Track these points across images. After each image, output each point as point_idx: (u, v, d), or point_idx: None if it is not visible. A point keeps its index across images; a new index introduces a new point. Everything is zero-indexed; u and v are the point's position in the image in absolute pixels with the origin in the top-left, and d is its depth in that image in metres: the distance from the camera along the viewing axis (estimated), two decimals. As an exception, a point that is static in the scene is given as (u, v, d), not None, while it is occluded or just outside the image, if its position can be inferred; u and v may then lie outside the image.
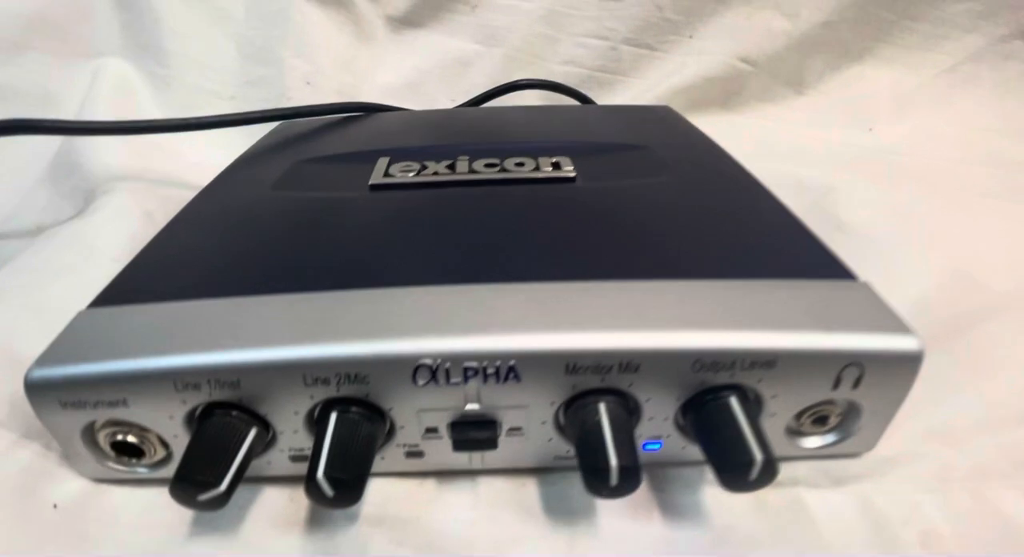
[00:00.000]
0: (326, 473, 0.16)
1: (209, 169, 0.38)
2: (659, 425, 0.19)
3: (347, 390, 0.17)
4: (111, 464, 0.20)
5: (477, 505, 0.20)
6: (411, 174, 0.28)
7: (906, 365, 0.17)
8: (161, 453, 0.19)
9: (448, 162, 0.29)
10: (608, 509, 0.19)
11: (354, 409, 0.18)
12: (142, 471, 0.20)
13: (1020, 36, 0.54)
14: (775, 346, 0.17)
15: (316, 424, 0.18)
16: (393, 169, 0.29)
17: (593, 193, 0.26)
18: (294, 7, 0.48)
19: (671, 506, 0.20)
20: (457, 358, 0.17)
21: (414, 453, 0.19)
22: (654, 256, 0.21)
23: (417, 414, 0.18)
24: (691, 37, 0.51)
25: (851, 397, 0.18)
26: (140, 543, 0.19)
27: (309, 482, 0.16)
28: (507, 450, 0.19)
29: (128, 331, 0.18)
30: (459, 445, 0.19)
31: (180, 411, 0.18)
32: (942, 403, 0.22)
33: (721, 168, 0.29)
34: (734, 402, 0.17)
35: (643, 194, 0.26)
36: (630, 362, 0.17)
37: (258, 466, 0.19)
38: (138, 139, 0.37)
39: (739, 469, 0.16)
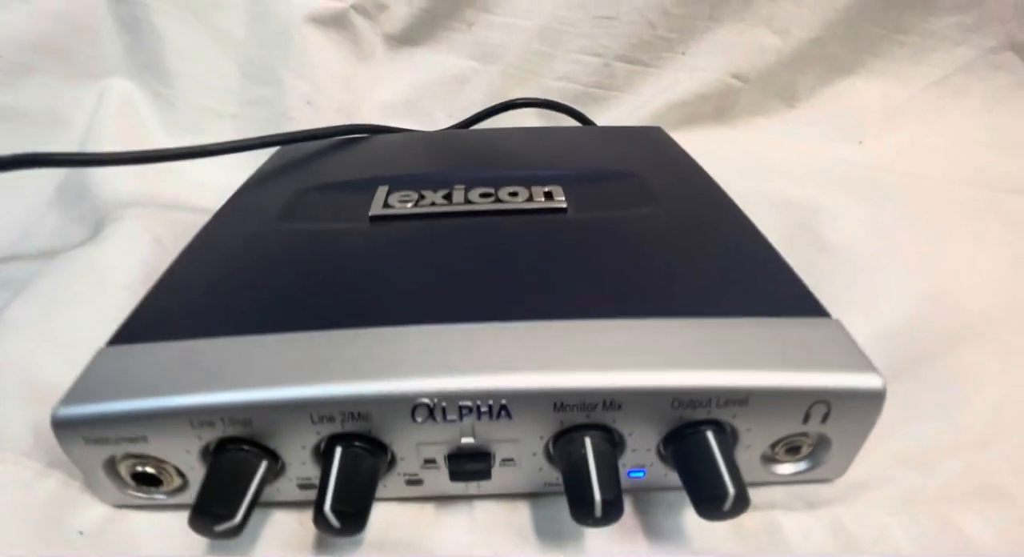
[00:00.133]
0: (332, 507, 0.17)
1: (212, 190, 0.40)
2: (642, 455, 0.20)
3: (351, 426, 0.19)
4: (131, 492, 0.21)
5: (474, 528, 0.21)
6: (409, 204, 0.29)
7: (870, 402, 0.19)
8: (178, 482, 0.21)
9: (445, 192, 0.30)
10: (595, 532, 0.21)
11: (357, 444, 0.19)
12: (160, 498, 0.21)
13: (1009, 48, 0.55)
14: (748, 385, 0.18)
15: (322, 457, 0.20)
16: (392, 199, 0.30)
17: (582, 226, 0.27)
18: (294, 28, 0.49)
19: (654, 529, 0.21)
20: (453, 397, 0.18)
21: (414, 481, 0.21)
22: (637, 294, 0.22)
23: (416, 447, 0.20)
24: (684, 54, 0.53)
25: (821, 430, 0.19)
26: (161, 566, 0.20)
27: (317, 514, 0.18)
28: (501, 479, 0.21)
29: (146, 371, 0.20)
30: (455, 476, 0.20)
31: (196, 446, 0.19)
32: (912, 428, 0.24)
33: (707, 198, 0.30)
34: (710, 437, 0.18)
35: (630, 227, 0.27)
36: (613, 400, 0.18)
37: (268, 493, 0.21)
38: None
39: (714, 501, 0.17)
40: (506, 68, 0.53)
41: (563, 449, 0.19)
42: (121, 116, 0.47)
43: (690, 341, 0.19)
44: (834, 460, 0.21)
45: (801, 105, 0.56)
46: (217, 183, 0.40)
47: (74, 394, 0.19)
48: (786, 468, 0.21)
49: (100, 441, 0.19)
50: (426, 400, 0.18)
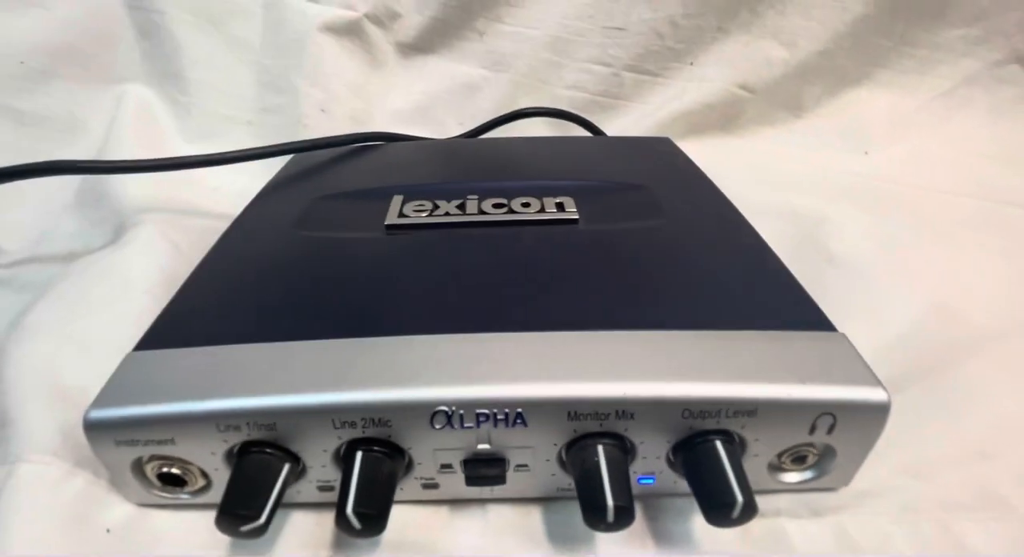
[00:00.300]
0: (354, 509, 0.18)
1: (228, 195, 0.41)
2: (652, 463, 0.21)
3: (371, 432, 0.19)
4: (156, 492, 0.22)
5: (486, 532, 0.22)
6: (424, 214, 0.30)
7: (875, 414, 0.19)
8: (201, 482, 0.21)
9: (458, 202, 0.31)
10: (605, 537, 0.21)
11: (377, 448, 0.20)
12: (184, 498, 0.22)
13: (1014, 61, 0.56)
14: (756, 396, 0.19)
15: (343, 460, 0.20)
16: (407, 208, 0.31)
17: (594, 237, 0.28)
18: (309, 36, 0.49)
19: (663, 534, 0.21)
20: (470, 405, 0.19)
21: (430, 485, 0.21)
22: (648, 306, 0.23)
23: (433, 452, 0.20)
24: (692, 64, 0.53)
25: (826, 441, 0.20)
26: (185, 563, 0.21)
27: (339, 516, 0.18)
28: (514, 484, 0.21)
29: (174, 375, 0.20)
30: (471, 481, 0.21)
31: (221, 448, 0.20)
32: (915, 438, 0.24)
33: (715, 211, 0.30)
34: (719, 446, 0.19)
35: (641, 239, 0.27)
36: (626, 410, 0.19)
37: (288, 494, 0.21)
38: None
39: (723, 508, 0.18)
40: (516, 76, 0.54)
41: (576, 456, 0.19)
42: (139, 122, 0.48)
43: (701, 353, 0.20)
44: (839, 470, 0.21)
45: (807, 116, 0.56)
46: (232, 189, 0.41)
47: (105, 397, 0.20)
48: (792, 477, 0.22)
49: (130, 443, 0.20)
50: (445, 407, 0.19)
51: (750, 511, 0.18)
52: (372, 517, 0.18)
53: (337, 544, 0.21)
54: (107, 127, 0.48)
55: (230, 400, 0.19)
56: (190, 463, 0.21)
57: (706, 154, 0.39)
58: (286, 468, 0.20)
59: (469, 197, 0.31)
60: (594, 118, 0.51)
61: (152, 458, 0.21)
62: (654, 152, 0.40)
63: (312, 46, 0.49)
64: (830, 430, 0.19)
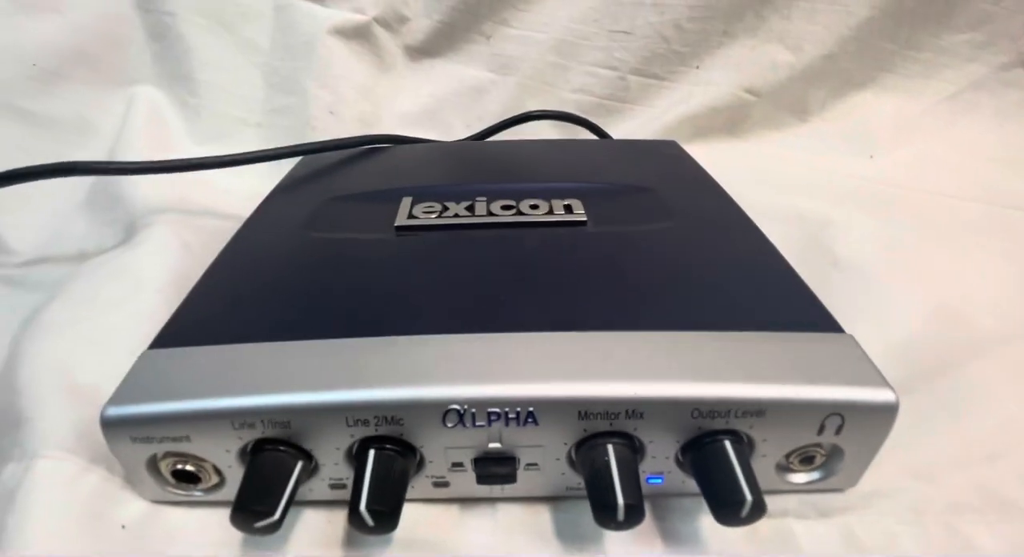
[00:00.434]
0: (367, 506, 0.18)
1: (238, 196, 0.41)
2: (661, 462, 0.21)
3: (384, 430, 0.20)
4: (170, 489, 0.22)
5: (496, 530, 0.22)
6: (433, 216, 0.30)
7: (883, 415, 0.19)
8: (215, 479, 0.22)
9: (467, 203, 0.31)
10: (614, 536, 0.21)
11: (389, 446, 0.20)
12: (198, 494, 0.22)
13: (1020, 65, 0.56)
14: (764, 397, 0.19)
15: (355, 458, 0.20)
16: (416, 210, 0.31)
17: (602, 239, 0.28)
18: (318, 39, 0.50)
19: (672, 534, 0.22)
20: (482, 404, 0.19)
21: (441, 483, 0.22)
22: (657, 307, 0.23)
23: (445, 451, 0.20)
24: (697, 68, 0.54)
25: (834, 441, 0.20)
26: (199, 559, 0.21)
27: (352, 513, 0.18)
28: (524, 482, 0.21)
29: (189, 373, 0.21)
30: (482, 479, 0.21)
31: (235, 445, 0.20)
32: (922, 440, 0.24)
33: (722, 214, 0.31)
34: (728, 446, 0.19)
35: (649, 241, 0.28)
36: (636, 410, 0.19)
37: (300, 492, 0.21)
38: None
39: (732, 507, 0.18)
40: (523, 80, 0.54)
41: (586, 455, 0.20)
42: (149, 123, 0.49)
43: (710, 354, 0.20)
44: (846, 470, 0.21)
45: (813, 120, 0.56)
46: (242, 190, 0.41)
47: (121, 394, 0.20)
48: (800, 477, 0.22)
49: (146, 440, 0.20)
50: (457, 406, 0.19)
51: (759, 510, 0.18)
52: (385, 514, 0.19)
53: (348, 542, 0.22)
54: (117, 129, 0.48)
55: (245, 398, 0.20)
56: (204, 460, 0.21)
57: (712, 157, 0.39)
58: (299, 465, 0.20)
59: (478, 199, 0.32)
60: (600, 121, 0.52)
61: (167, 455, 0.21)
62: (661, 155, 0.40)
63: (321, 49, 0.50)
64: (838, 431, 0.19)
